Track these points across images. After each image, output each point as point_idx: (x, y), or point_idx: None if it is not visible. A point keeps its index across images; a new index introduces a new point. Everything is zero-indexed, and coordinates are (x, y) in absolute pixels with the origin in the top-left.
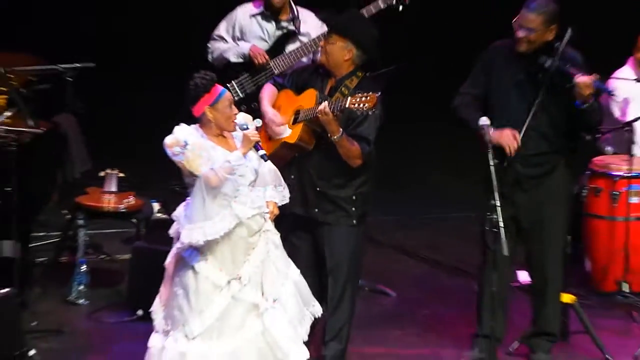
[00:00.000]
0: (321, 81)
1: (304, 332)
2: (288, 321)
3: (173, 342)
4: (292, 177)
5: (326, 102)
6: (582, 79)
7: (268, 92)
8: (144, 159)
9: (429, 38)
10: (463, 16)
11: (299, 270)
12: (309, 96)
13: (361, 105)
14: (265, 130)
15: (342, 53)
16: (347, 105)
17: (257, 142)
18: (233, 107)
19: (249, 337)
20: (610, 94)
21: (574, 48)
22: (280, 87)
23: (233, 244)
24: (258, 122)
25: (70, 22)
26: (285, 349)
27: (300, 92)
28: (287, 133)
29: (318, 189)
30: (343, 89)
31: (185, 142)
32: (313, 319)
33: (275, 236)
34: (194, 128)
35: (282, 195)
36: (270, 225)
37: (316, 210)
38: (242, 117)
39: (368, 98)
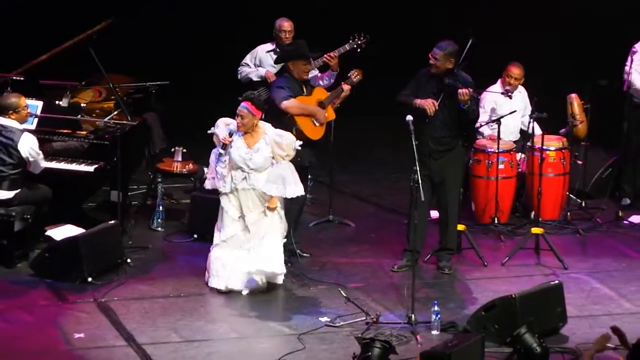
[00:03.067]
0: (299, 86)
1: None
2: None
3: (212, 246)
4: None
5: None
6: (462, 90)
7: (299, 100)
8: (199, 140)
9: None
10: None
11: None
12: (318, 92)
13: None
14: (314, 119)
15: None
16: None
17: (223, 144)
18: (239, 118)
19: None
20: (477, 98)
21: (466, 72)
22: (292, 97)
23: (242, 196)
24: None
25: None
26: (270, 270)
27: (307, 95)
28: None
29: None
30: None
31: (217, 125)
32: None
33: (272, 210)
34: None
35: (278, 189)
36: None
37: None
38: (234, 126)
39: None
